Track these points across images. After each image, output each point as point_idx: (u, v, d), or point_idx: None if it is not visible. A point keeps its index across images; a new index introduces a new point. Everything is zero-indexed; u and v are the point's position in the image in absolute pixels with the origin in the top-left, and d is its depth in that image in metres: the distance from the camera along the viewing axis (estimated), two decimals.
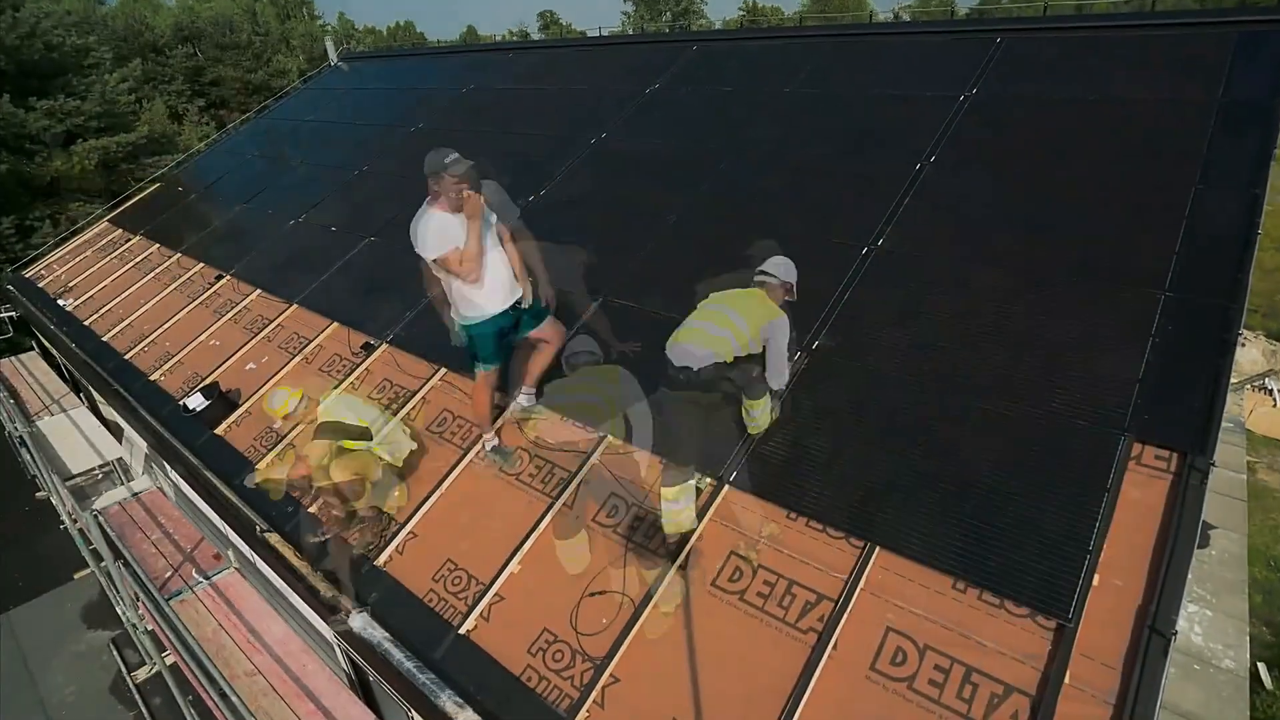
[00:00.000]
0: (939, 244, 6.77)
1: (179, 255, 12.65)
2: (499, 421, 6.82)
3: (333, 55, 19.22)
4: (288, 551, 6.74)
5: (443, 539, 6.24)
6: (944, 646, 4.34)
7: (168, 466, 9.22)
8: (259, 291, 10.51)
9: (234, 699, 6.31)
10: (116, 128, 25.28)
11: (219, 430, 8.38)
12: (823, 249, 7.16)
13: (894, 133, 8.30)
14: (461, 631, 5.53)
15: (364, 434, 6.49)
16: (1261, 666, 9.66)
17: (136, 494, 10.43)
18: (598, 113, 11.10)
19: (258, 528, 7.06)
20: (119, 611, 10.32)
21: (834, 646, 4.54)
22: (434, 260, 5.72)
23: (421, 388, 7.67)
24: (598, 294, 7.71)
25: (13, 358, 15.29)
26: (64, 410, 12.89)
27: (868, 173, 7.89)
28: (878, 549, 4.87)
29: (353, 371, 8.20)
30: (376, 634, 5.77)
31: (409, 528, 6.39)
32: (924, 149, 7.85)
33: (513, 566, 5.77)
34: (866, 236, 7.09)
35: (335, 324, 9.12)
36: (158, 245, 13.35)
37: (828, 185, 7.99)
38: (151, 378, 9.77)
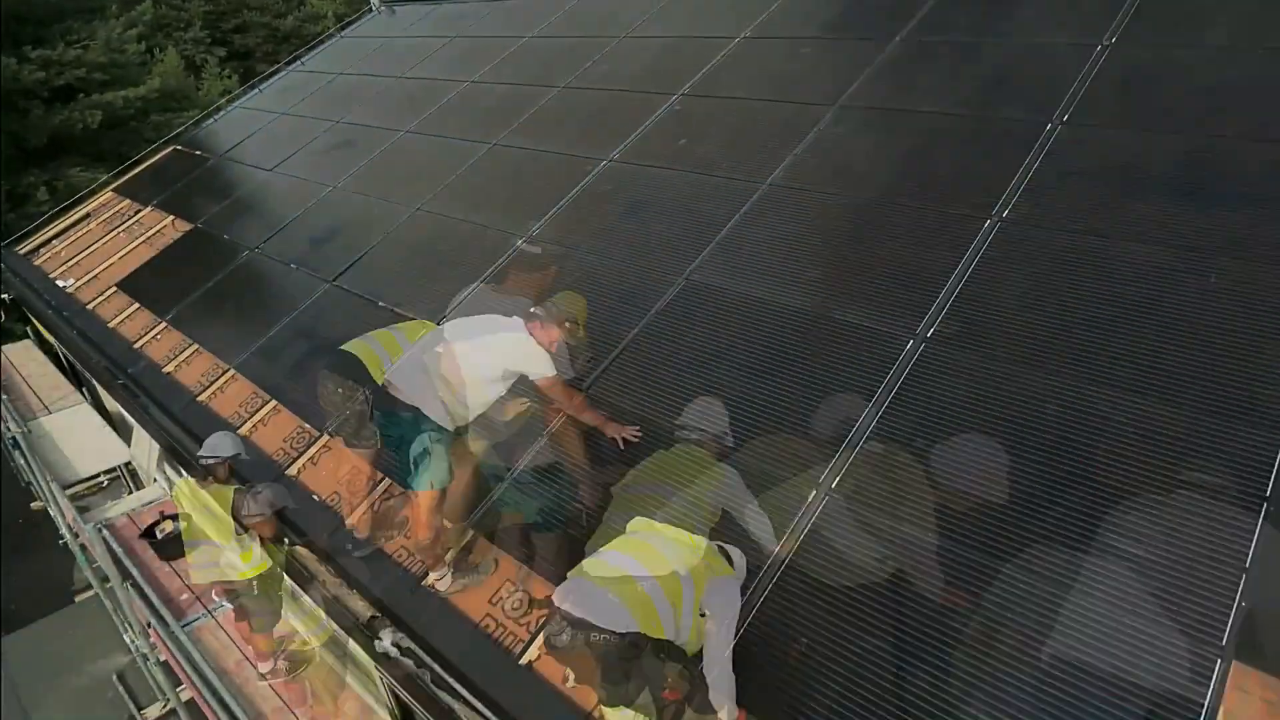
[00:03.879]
0: (1075, 214, 6.85)
1: (196, 229, 13.12)
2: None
3: None
4: (320, 569, 7.00)
5: (501, 555, 6.44)
6: None
7: (184, 472, 9.52)
8: (290, 271, 10.91)
9: None
10: (123, 81, 25.82)
11: (242, 430, 8.72)
12: (940, 220, 7.31)
13: (1022, 87, 8.41)
14: (522, 662, 5.70)
15: None
16: None
17: (147, 504, 10.75)
18: (678, 64, 11.39)
19: (286, 541, 7.31)
20: (126, 640, 10.61)
21: None
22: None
23: None
24: (680, 271, 7.90)
25: (4, 347, 15.75)
26: (69, 406, 13.25)
27: (991, 133, 8.02)
28: None
29: None
30: (422, 663, 5.96)
31: (461, 543, 6.59)
32: (1056, 105, 7.93)
33: None
34: (991, 206, 7.20)
35: (378, 305, 9.43)
36: (172, 218, 13.94)
37: (945, 147, 8.14)
38: (165, 369, 10.20)
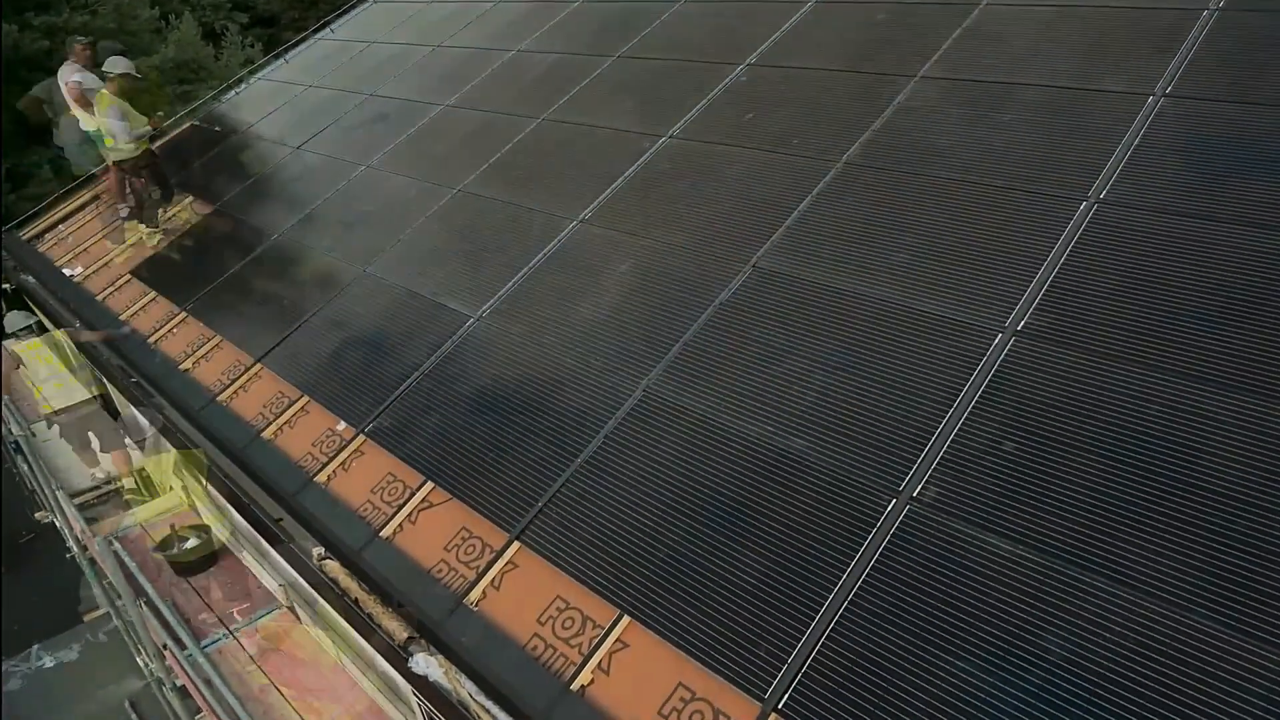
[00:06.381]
0: (1179, 196, 6.83)
1: (216, 211, 13.40)
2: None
3: None
4: (352, 584, 7.07)
5: (550, 570, 6.51)
6: None
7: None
8: (319, 257, 11.14)
9: None
10: (135, 50, 26.00)
11: (267, 433, 8.88)
12: (1030, 202, 7.34)
13: (1120, 55, 8.38)
14: (574, 687, 5.76)
15: None
16: None
17: (163, 514, 10.90)
18: (744, 31, 11.52)
19: (315, 554, 7.44)
20: (140, 662, 10.76)
21: None
22: None
23: None
24: (747, 258, 7.99)
25: (7, 342, 15.97)
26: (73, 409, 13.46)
27: (1086, 107, 8.00)
28: None
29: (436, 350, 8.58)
30: (465, 689, 6.03)
31: (507, 556, 6.72)
32: (1158, 76, 7.92)
33: None
34: (1086, 187, 7.22)
35: (416, 293, 9.58)
36: (190, 199, 14.23)
37: (1034, 121, 8.14)
38: (182, 366, 10.40)
